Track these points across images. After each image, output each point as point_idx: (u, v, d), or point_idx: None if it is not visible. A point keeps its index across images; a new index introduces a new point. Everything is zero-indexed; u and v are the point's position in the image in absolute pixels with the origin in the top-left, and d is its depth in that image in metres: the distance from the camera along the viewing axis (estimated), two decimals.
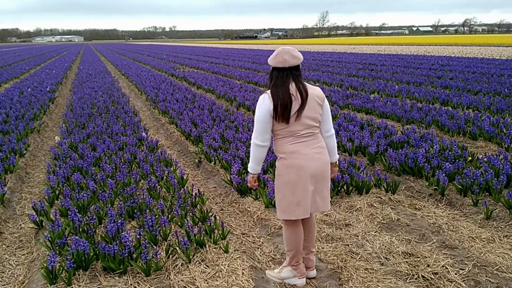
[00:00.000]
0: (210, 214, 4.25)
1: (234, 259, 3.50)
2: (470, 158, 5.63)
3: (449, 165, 5.09)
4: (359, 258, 3.54)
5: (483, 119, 7.82)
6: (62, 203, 4.38)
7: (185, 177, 5.34)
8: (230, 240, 3.90)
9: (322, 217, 4.34)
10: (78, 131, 7.78)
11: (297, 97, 2.82)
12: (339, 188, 4.88)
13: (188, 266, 3.41)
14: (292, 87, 2.84)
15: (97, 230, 4.02)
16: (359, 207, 4.52)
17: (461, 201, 4.57)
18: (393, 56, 28.59)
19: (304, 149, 2.90)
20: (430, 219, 4.25)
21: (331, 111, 5.71)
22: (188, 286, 3.17)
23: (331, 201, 4.64)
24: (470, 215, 4.32)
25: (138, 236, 3.60)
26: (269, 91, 2.89)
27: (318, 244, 3.77)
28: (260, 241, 3.95)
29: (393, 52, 34.97)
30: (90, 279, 3.30)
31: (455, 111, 8.67)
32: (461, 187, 4.69)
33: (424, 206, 4.58)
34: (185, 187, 5.00)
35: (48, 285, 3.20)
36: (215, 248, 3.67)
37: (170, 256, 3.54)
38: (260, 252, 3.74)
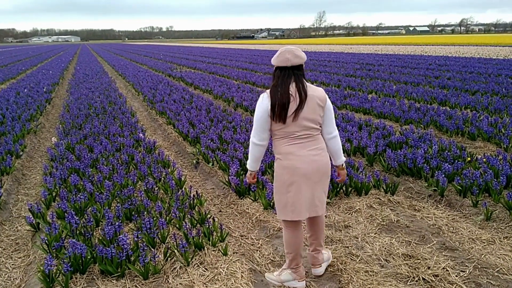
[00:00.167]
0: (209, 216, 4.21)
1: (233, 261, 3.47)
2: (469, 158, 5.62)
3: (448, 165, 5.07)
4: (359, 260, 3.51)
5: (481, 119, 7.82)
6: (59, 205, 4.33)
7: (183, 179, 5.30)
8: (229, 242, 3.86)
9: None
10: (75, 132, 7.73)
11: (296, 97, 2.80)
12: (338, 189, 4.85)
13: (186, 269, 3.38)
14: (292, 87, 2.81)
15: (94, 233, 3.98)
16: (358, 209, 4.50)
17: (460, 202, 4.55)
18: (390, 56, 28.61)
19: (299, 151, 2.88)
20: (429, 220, 4.23)
21: None
22: None
23: (330, 203, 4.62)
24: (470, 216, 4.30)
25: (136, 239, 3.57)
26: (268, 90, 2.87)
27: None
28: (259, 243, 3.92)
29: (390, 52, 35.02)
30: (88, 282, 3.26)
31: (453, 111, 8.66)
32: (460, 188, 4.67)
33: (423, 207, 4.56)
34: (183, 189, 4.97)
35: None
36: (213, 250, 3.64)
37: (169, 259, 3.50)
38: (259, 255, 3.71)
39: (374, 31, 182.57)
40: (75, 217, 3.86)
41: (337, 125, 7.49)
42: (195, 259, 3.51)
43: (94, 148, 6.49)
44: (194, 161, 6.49)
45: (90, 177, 5.33)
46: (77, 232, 3.80)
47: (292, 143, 2.89)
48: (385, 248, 3.68)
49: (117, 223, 3.77)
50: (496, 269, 3.32)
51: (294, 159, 2.88)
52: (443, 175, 4.83)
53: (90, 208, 4.39)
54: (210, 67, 22.80)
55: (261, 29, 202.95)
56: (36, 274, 3.33)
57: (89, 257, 3.39)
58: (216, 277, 3.26)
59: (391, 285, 3.15)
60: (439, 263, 3.40)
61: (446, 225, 4.11)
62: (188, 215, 4.17)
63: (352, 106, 9.94)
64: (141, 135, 7.49)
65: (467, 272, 3.29)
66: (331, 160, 3.09)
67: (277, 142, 2.95)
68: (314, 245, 3.24)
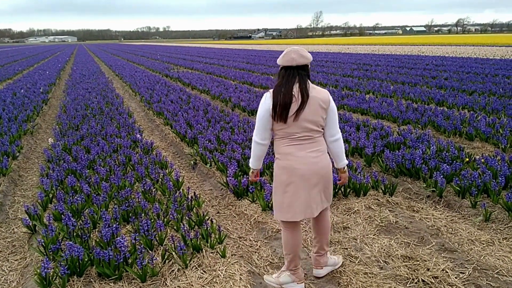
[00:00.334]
0: (207, 217, 4.19)
1: (232, 264, 3.45)
2: (467, 159, 5.61)
3: (447, 166, 5.06)
4: (358, 262, 3.49)
5: (479, 119, 7.82)
6: (56, 207, 4.30)
7: (180, 180, 5.28)
8: (227, 244, 3.84)
9: None
10: (72, 133, 7.69)
11: (298, 98, 2.79)
12: (336, 190, 4.84)
13: (184, 272, 3.36)
14: (296, 88, 2.80)
15: (91, 235, 3.95)
16: (357, 210, 4.48)
17: (459, 203, 4.54)
18: (387, 56, 28.63)
19: (298, 152, 2.86)
20: (428, 221, 4.22)
21: None
22: None
23: None
24: (469, 217, 4.29)
25: (133, 241, 3.54)
26: (272, 90, 2.86)
27: None
28: (257, 245, 3.89)
29: (387, 52, 35.04)
30: (85, 285, 3.24)
31: (450, 111, 8.66)
32: (459, 188, 4.66)
33: (422, 208, 4.55)
34: (181, 190, 4.94)
35: None
36: (212, 252, 3.62)
37: (166, 261, 3.48)
38: (258, 257, 3.68)
39: (371, 31, 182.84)
40: (72, 219, 3.83)
41: None
42: (193, 261, 3.49)
43: (91, 149, 6.45)
44: (192, 162, 6.46)
45: (87, 178, 5.29)
46: (74, 234, 3.77)
47: (292, 144, 2.87)
48: (384, 250, 3.66)
49: (114, 225, 3.74)
50: (496, 271, 3.30)
51: (292, 160, 2.87)
52: (441, 176, 4.82)
53: (87, 210, 4.37)
54: (207, 67, 22.76)
55: (258, 29, 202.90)
56: (33, 277, 3.30)
57: (86, 259, 3.36)
58: (214, 280, 3.24)
59: (390, 287, 3.14)
60: (439, 265, 3.39)
61: (445, 226, 4.10)
62: (186, 217, 4.15)
63: (349, 106, 9.93)
64: (138, 136, 7.46)
65: (467, 273, 3.27)
66: (332, 163, 3.07)
67: (278, 142, 2.94)
68: (317, 247, 3.22)
